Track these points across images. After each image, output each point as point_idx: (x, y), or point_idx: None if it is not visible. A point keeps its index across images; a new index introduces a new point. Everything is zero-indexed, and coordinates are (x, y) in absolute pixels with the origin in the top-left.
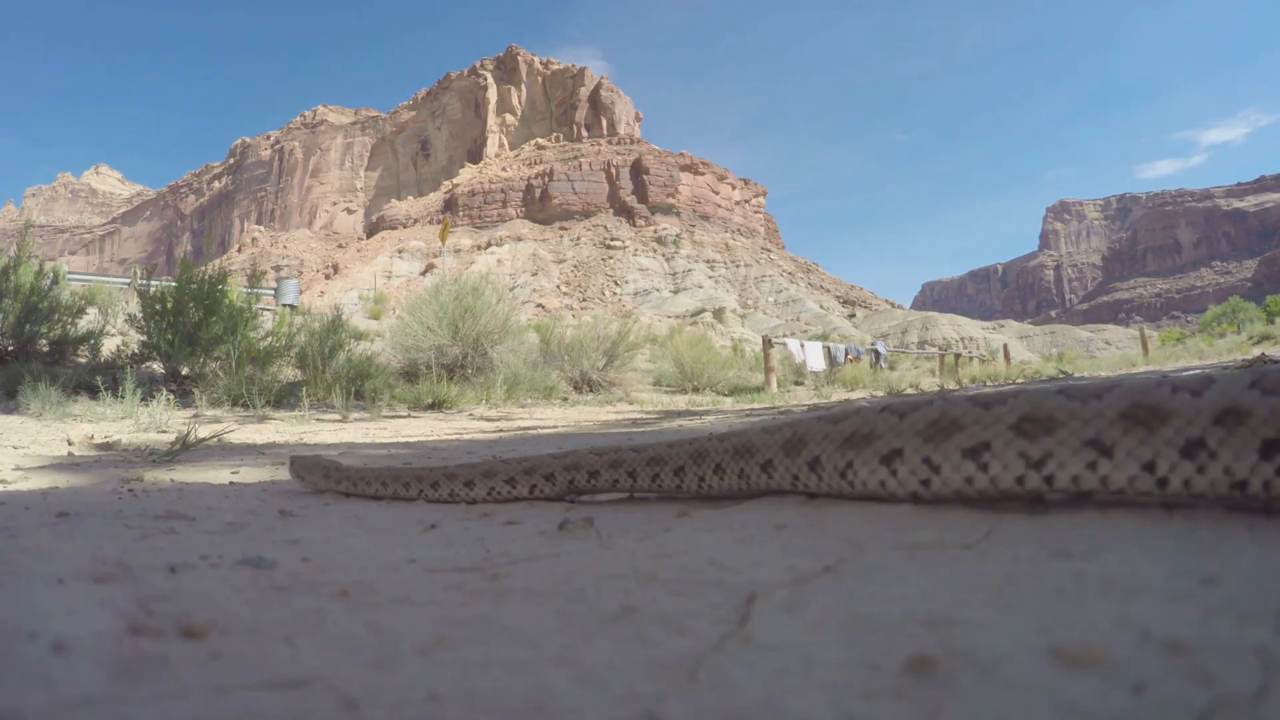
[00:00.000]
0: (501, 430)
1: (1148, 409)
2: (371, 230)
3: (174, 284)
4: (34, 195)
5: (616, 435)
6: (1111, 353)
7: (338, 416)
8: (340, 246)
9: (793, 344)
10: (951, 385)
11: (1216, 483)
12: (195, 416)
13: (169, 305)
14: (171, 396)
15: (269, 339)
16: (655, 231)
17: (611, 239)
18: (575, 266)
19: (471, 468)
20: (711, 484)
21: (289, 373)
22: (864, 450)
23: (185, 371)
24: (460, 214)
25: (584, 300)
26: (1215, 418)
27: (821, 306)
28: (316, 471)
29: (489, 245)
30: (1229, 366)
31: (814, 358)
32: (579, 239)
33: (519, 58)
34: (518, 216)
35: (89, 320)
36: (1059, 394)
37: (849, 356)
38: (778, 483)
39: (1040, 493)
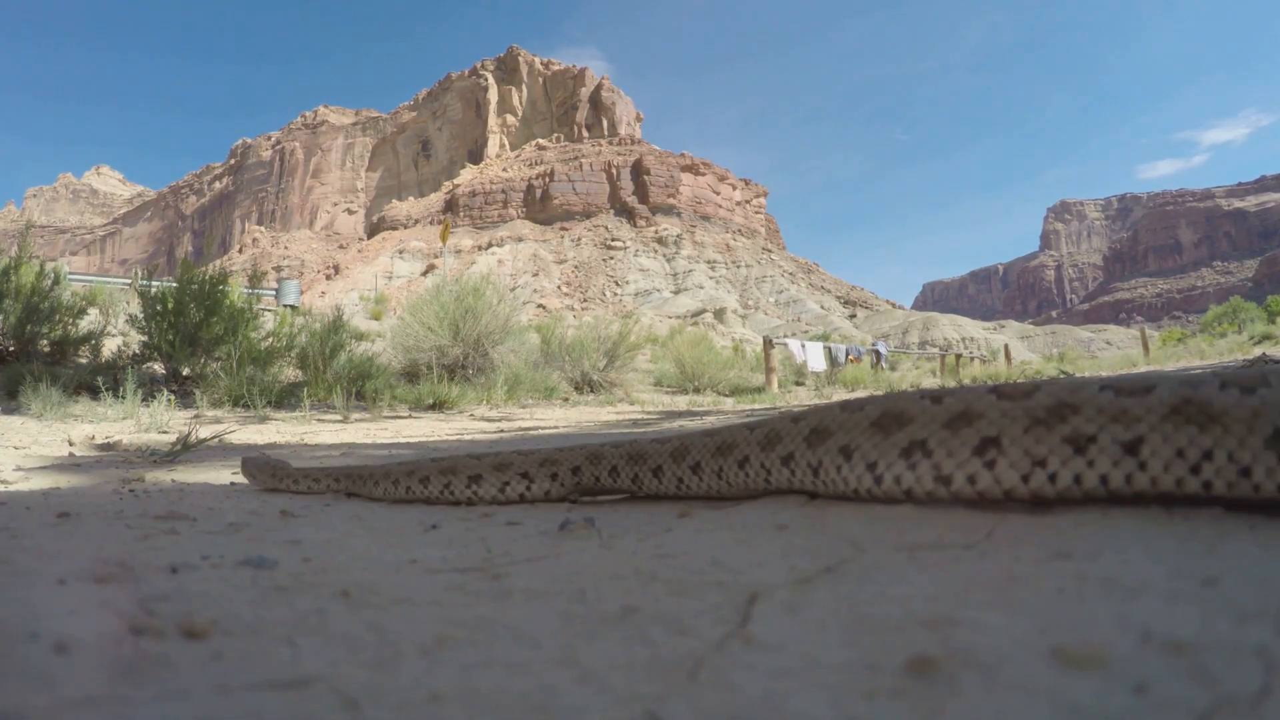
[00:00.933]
0: (502, 431)
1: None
2: (372, 231)
3: (175, 284)
4: (35, 196)
5: (616, 436)
6: (1113, 353)
7: (339, 417)
8: (341, 247)
9: (793, 344)
10: (952, 385)
11: None
12: (196, 417)
13: (170, 306)
14: (172, 397)
15: (270, 339)
16: (656, 232)
17: (612, 239)
18: (576, 267)
19: (404, 465)
20: (690, 484)
21: (290, 373)
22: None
23: (186, 372)
24: (461, 214)
25: (585, 301)
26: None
27: (822, 307)
28: (265, 471)
29: (490, 246)
30: (1230, 366)
31: (815, 358)
32: (580, 239)
33: (519, 58)
34: (518, 217)
35: (90, 321)
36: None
37: (850, 357)
38: (752, 481)
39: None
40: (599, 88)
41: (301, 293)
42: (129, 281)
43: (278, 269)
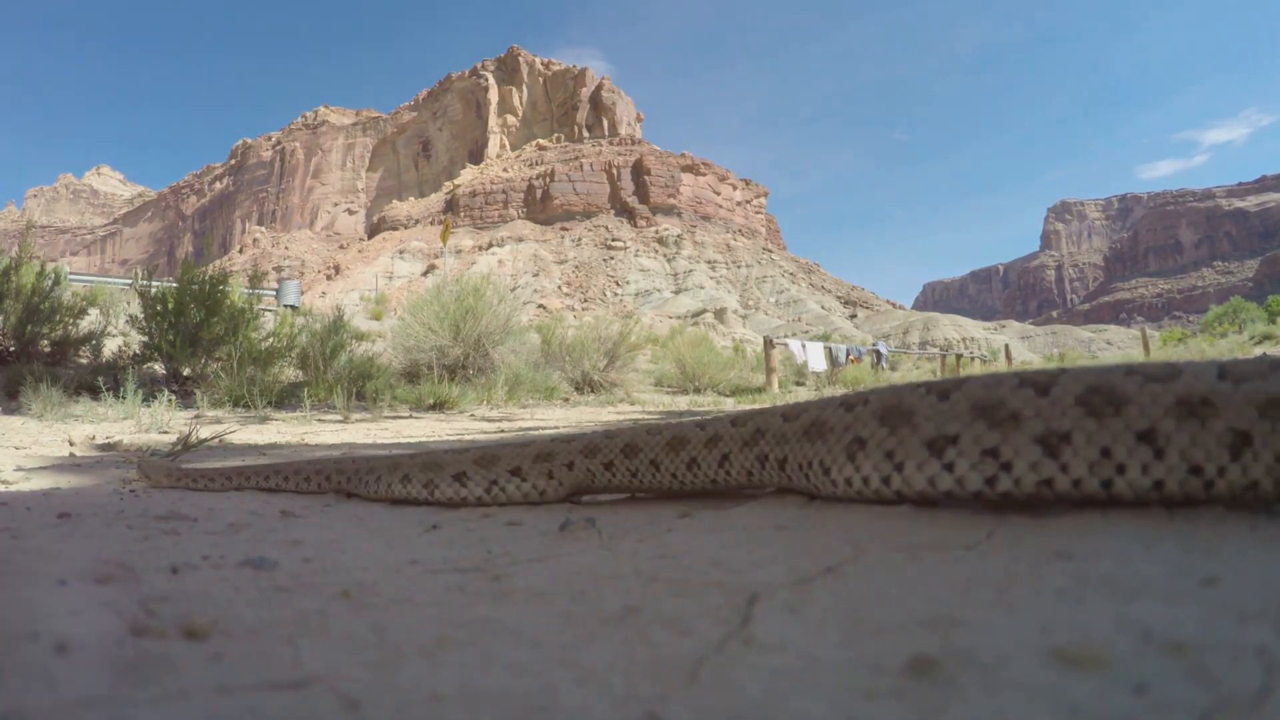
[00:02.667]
0: (503, 431)
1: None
2: (373, 231)
3: (175, 285)
4: (35, 196)
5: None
6: (1113, 353)
7: (339, 417)
8: (341, 247)
9: (794, 344)
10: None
11: None
12: (197, 417)
13: (170, 306)
14: (173, 397)
15: (270, 340)
16: (656, 232)
17: (613, 239)
18: (576, 267)
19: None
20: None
21: (290, 373)
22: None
23: (187, 372)
24: (461, 215)
25: (585, 301)
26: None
27: (823, 307)
28: (159, 471)
29: (490, 246)
30: None
31: (815, 358)
32: (580, 240)
33: (520, 58)
34: (519, 217)
35: (90, 321)
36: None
37: (850, 357)
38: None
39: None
40: (599, 88)
41: (302, 293)
42: (129, 282)
43: (278, 269)
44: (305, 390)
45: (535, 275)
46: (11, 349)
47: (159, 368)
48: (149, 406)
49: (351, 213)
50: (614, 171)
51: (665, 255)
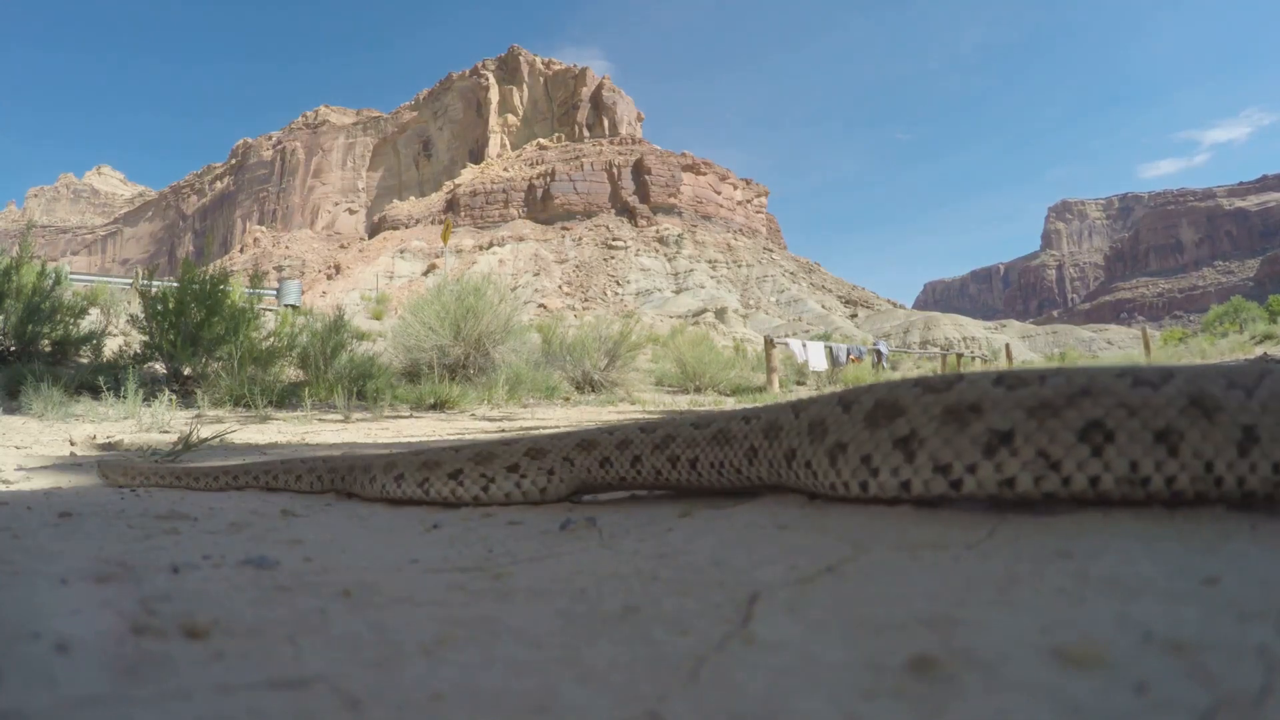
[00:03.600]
0: (503, 430)
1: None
2: (373, 230)
3: (176, 284)
4: (36, 196)
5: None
6: (1114, 352)
7: (340, 417)
8: (342, 247)
9: (795, 344)
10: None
11: None
12: (197, 417)
13: (171, 305)
14: (174, 397)
15: (271, 339)
16: (657, 231)
17: (613, 239)
18: (577, 267)
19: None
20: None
21: (291, 373)
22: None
23: (187, 372)
24: (462, 214)
25: (586, 300)
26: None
27: (823, 306)
28: (118, 470)
29: (491, 245)
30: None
31: (816, 358)
32: (581, 239)
33: (520, 58)
34: (520, 217)
35: (91, 320)
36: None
37: (851, 356)
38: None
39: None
40: (600, 87)
41: (303, 292)
42: (130, 281)
43: (279, 269)
44: (306, 390)
45: (536, 275)
46: (12, 348)
47: (160, 367)
48: (150, 406)
49: (352, 212)
50: (615, 171)
51: (666, 255)
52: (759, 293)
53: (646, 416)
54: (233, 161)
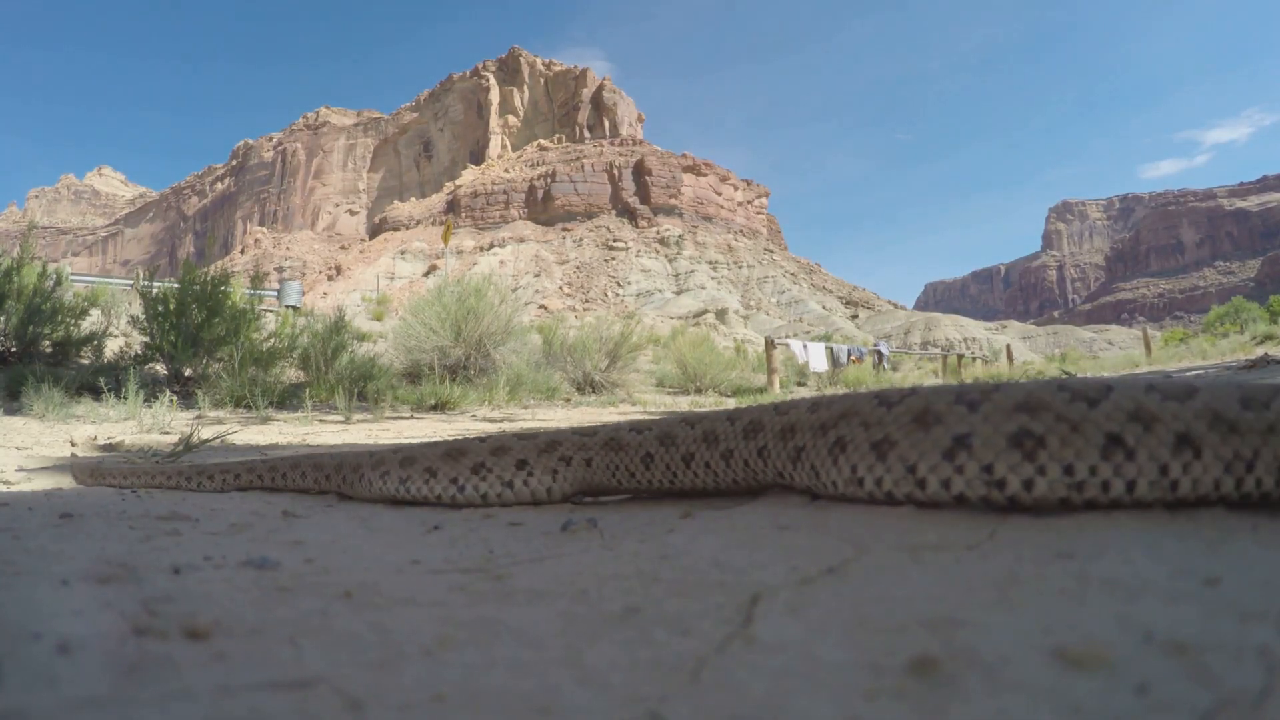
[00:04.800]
0: (504, 431)
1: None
2: (374, 231)
3: (177, 285)
4: (37, 197)
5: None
6: (1115, 353)
7: (340, 418)
8: (343, 248)
9: (795, 345)
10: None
11: None
12: (198, 418)
13: (172, 306)
14: (174, 397)
15: (272, 340)
16: (658, 232)
17: (614, 240)
18: (578, 268)
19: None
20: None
21: (292, 374)
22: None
23: (188, 373)
24: (463, 215)
25: (586, 301)
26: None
27: (824, 307)
28: (85, 471)
29: (491, 246)
30: (1231, 367)
31: (816, 358)
32: (581, 240)
33: (521, 59)
34: (520, 218)
35: (92, 321)
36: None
37: (852, 357)
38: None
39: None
40: (600, 88)
41: (303, 293)
42: (131, 282)
43: (279, 270)
44: (307, 391)
45: (537, 276)
46: (13, 349)
47: (161, 368)
48: (151, 407)
49: (353, 213)
50: (615, 172)
51: (667, 256)
52: (760, 293)
53: (646, 418)
54: (233, 162)
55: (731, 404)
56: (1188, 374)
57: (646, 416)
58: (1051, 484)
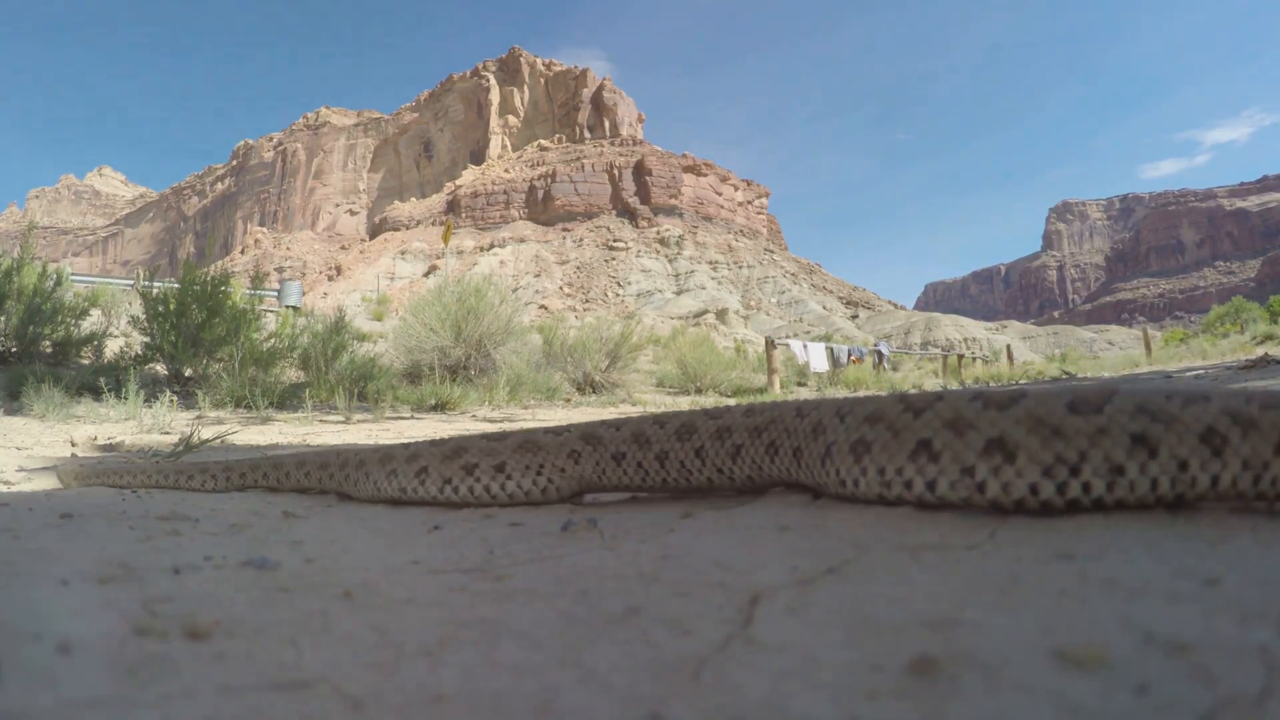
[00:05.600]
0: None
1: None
2: (374, 232)
3: (177, 285)
4: (37, 197)
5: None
6: (1115, 353)
7: (341, 418)
8: (343, 248)
9: (795, 345)
10: (955, 386)
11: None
12: (198, 418)
13: (172, 307)
14: (175, 398)
15: (272, 340)
16: (658, 233)
17: (614, 240)
18: (578, 268)
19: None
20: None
21: (292, 374)
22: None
23: (188, 373)
24: (463, 215)
25: (587, 301)
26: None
27: (824, 307)
28: (69, 474)
29: (492, 246)
30: (1231, 366)
31: (817, 359)
32: (582, 240)
33: (521, 59)
34: (520, 218)
35: (92, 322)
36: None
37: (852, 357)
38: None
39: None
40: (601, 88)
41: (303, 294)
42: (131, 282)
43: (280, 270)
44: (307, 391)
45: (537, 276)
46: (13, 349)
47: (161, 368)
48: (151, 407)
49: (353, 213)
50: (615, 172)
51: (667, 256)
52: (760, 294)
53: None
54: (233, 163)
55: (732, 404)
56: (1187, 374)
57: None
58: (869, 484)
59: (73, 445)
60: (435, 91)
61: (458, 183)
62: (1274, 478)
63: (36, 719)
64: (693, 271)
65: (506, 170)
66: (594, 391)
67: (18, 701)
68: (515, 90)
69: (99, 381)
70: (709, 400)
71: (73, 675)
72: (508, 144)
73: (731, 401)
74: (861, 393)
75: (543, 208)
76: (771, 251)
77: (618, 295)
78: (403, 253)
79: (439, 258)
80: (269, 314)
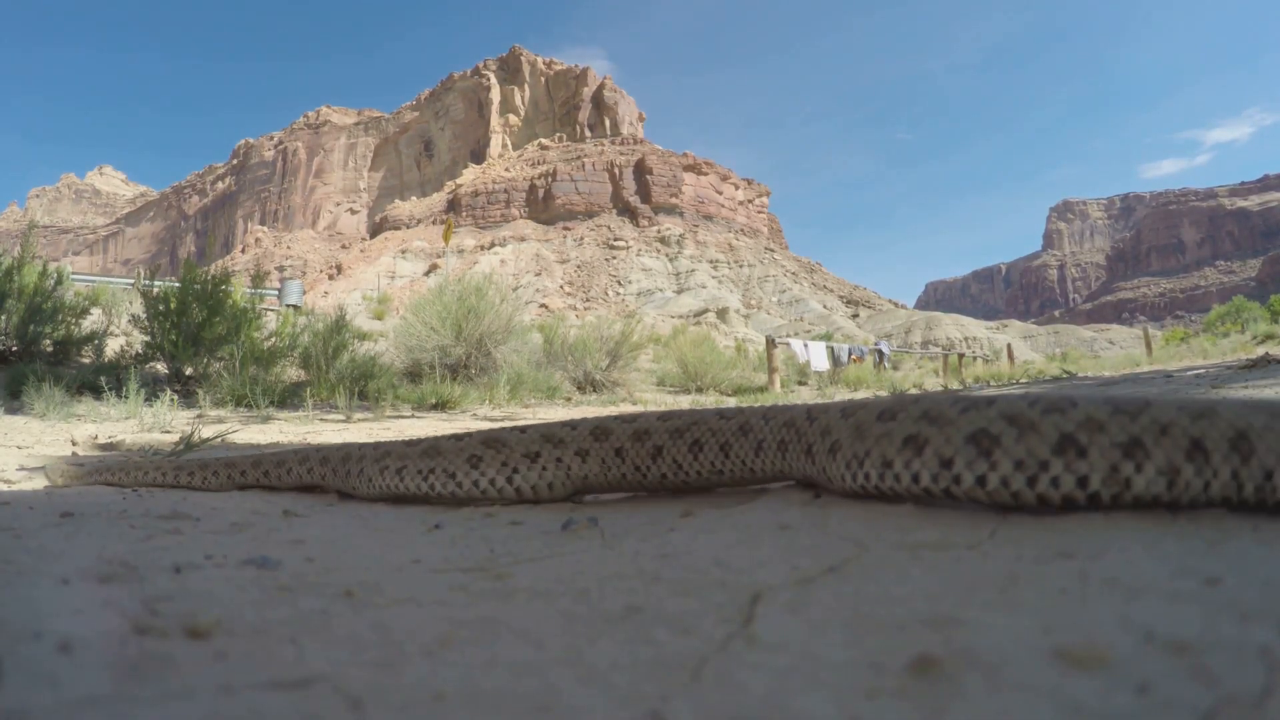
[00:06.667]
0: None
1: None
2: (375, 231)
3: (178, 285)
4: (38, 196)
5: None
6: (1115, 352)
7: (341, 417)
8: (344, 247)
9: (796, 344)
10: (955, 385)
11: None
12: (199, 417)
13: (173, 306)
14: (175, 397)
15: (273, 339)
16: (659, 232)
17: (615, 239)
18: (578, 267)
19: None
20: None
21: (293, 373)
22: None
23: (189, 372)
24: (463, 214)
25: (587, 300)
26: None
27: (825, 306)
28: (56, 473)
29: (492, 245)
30: (1232, 366)
31: (817, 358)
32: (582, 239)
33: (522, 58)
34: (521, 217)
35: (93, 321)
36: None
37: (852, 356)
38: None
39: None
40: (601, 87)
41: (304, 293)
42: (132, 281)
43: (280, 269)
44: (308, 390)
45: (537, 275)
46: (14, 348)
47: (161, 367)
48: (151, 406)
49: (354, 212)
50: (616, 171)
51: (667, 255)
52: (760, 293)
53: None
54: (234, 162)
55: (733, 403)
56: (1188, 373)
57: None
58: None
59: (73, 444)
60: (436, 90)
61: (458, 182)
62: (1055, 478)
63: (37, 718)
64: (693, 270)
65: (507, 169)
66: (594, 390)
67: (18, 700)
68: (516, 89)
69: (100, 380)
70: (710, 399)
71: (73, 674)
72: (508, 143)
73: (732, 400)
74: (862, 392)
75: (543, 207)
76: (772, 250)
77: (618, 294)
78: (403, 252)
79: (440, 257)
80: (270, 313)
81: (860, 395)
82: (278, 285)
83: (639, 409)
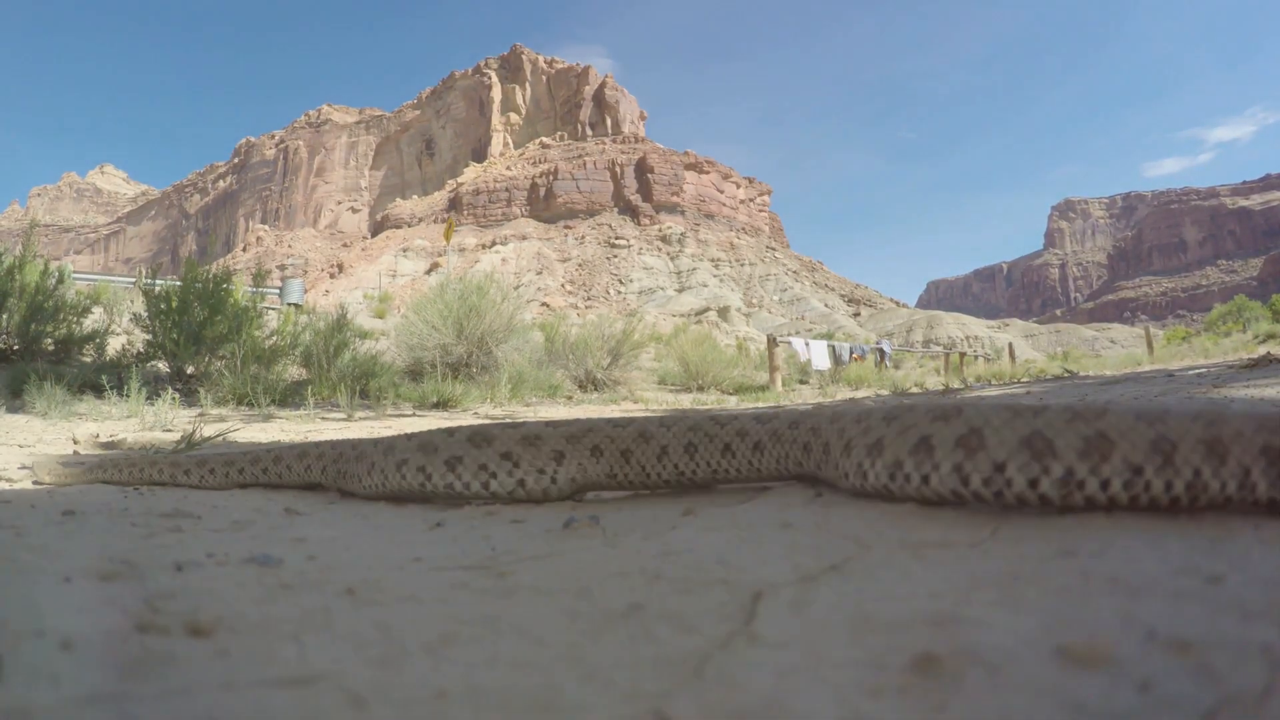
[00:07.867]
0: None
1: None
2: (376, 229)
3: (179, 283)
4: (39, 195)
5: None
6: (1117, 351)
7: (343, 415)
8: (345, 245)
9: (797, 343)
10: (956, 384)
11: None
12: (200, 415)
13: (174, 304)
14: (176, 395)
15: (274, 338)
16: (660, 230)
17: (616, 238)
18: (580, 265)
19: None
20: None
21: (294, 372)
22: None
23: (190, 370)
24: (465, 213)
25: (588, 299)
26: None
27: (826, 305)
28: (43, 469)
29: (493, 244)
30: (1233, 365)
31: (819, 356)
32: (583, 238)
33: (523, 56)
34: (522, 215)
35: (94, 319)
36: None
37: (854, 355)
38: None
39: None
40: (603, 86)
41: (305, 291)
42: (133, 280)
43: (282, 268)
44: (309, 388)
45: (539, 273)
46: (15, 347)
47: (163, 366)
48: (153, 404)
49: (355, 211)
50: (617, 169)
51: (669, 253)
52: (762, 291)
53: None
54: (235, 160)
55: (734, 402)
56: (1190, 373)
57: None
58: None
59: (75, 442)
60: (437, 89)
61: (459, 180)
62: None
63: (38, 715)
64: (694, 269)
65: (508, 168)
66: (596, 389)
67: (20, 698)
68: (517, 87)
69: (101, 379)
70: (711, 398)
71: (75, 672)
72: (509, 141)
73: (733, 400)
74: (863, 391)
75: (544, 205)
76: (773, 249)
77: (619, 293)
78: (404, 250)
79: (441, 255)
80: (271, 312)
81: (861, 394)
82: (279, 284)
83: (639, 407)
